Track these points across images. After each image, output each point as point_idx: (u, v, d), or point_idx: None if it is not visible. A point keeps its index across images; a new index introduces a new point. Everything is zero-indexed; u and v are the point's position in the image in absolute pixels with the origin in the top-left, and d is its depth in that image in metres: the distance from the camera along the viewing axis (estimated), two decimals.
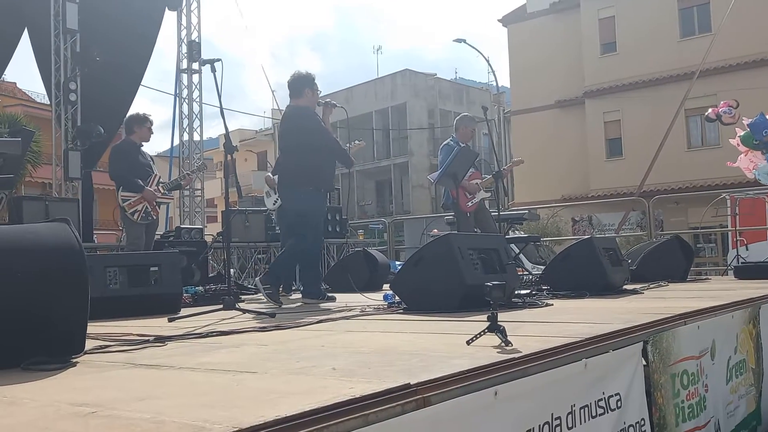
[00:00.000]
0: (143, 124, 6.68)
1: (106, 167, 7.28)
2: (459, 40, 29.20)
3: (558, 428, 2.04)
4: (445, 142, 7.13)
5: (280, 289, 5.67)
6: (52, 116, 10.06)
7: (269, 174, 7.22)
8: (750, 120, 7.02)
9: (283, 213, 7.02)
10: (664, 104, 19.23)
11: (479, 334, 2.30)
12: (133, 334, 3.03)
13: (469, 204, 6.86)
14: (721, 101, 7.65)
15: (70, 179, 9.91)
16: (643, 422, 2.51)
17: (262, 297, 5.34)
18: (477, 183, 6.97)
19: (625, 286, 5.19)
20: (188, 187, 11.29)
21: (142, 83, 11.40)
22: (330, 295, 5.51)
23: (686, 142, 21.62)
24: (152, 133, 6.80)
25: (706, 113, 7.64)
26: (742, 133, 7.04)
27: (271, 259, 9.63)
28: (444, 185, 6.82)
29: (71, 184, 10.03)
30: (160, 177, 6.79)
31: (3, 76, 13.71)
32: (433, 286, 3.94)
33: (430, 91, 34.90)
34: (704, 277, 8.30)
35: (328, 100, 5.89)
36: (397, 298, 4.32)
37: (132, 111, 10.32)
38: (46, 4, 9.84)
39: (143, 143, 6.79)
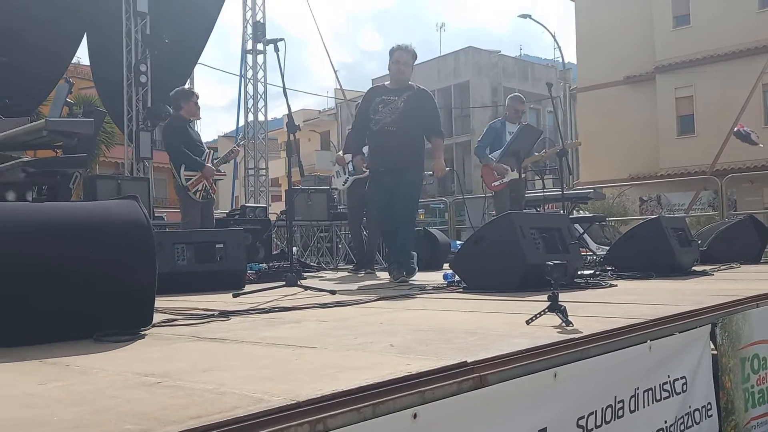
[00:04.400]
0: (189, 98, 6.49)
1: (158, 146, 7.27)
2: (524, 16, 28.89)
3: (621, 411, 2.00)
4: (492, 122, 7.30)
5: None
6: (123, 97, 10.36)
7: (340, 153, 7.15)
8: None
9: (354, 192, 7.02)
10: (740, 79, 18.37)
11: (539, 313, 2.27)
12: (199, 309, 3.12)
13: (496, 184, 6.97)
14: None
15: (141, 159, 10.25)
16: (709, 406, 2.43)
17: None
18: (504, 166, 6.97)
19: (694, 268, 5.03)
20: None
21: (210, 65, 11.74)
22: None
23: (763, 118, 20.60)
24: (199, 108, 6.56)
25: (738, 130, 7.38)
26: None
27: (333, 238, 9.76)
28: (507, 164, 6.87)
29: (142, 164, 10.38)
30: (212, 152, 6.66)
31: (78, 59, 14.15)
32: (493, 265, 3.90)
33: (494, 68, 34.29)
34: None
35: None
36: (456, 277, 4.31)
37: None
38: None
39: (192, 119, 6.59)
